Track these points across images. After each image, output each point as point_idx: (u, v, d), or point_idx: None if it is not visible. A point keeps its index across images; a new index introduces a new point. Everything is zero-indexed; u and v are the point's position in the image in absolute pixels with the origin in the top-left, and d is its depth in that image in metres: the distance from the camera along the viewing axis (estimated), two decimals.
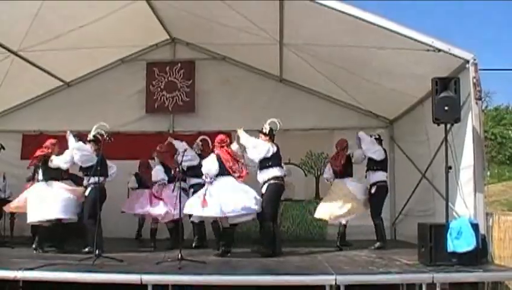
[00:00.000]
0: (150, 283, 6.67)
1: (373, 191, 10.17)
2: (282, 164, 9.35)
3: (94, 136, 9.36)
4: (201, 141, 11.02)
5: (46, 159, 9.63)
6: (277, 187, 9.00)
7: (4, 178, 11.12)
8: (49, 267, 7.26)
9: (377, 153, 10.19)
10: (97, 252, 7.86)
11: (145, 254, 9.17)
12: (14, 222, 11.41)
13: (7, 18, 9.57)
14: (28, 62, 11.47)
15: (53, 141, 9.81)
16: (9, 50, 10.78)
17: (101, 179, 9.06)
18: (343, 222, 10.36)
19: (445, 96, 7.81)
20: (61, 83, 13.37)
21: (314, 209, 11.94)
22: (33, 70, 11.91)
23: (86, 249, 8.81)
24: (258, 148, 8.98)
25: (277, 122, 9.30)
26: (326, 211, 10.33)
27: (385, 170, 10.34)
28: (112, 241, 10.14)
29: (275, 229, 9.02)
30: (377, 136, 10.51)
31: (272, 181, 8.92)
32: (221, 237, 9.32)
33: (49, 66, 12.23)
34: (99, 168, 8.91)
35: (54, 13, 9.76)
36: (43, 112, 13.31)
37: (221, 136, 9.44)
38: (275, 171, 8.97)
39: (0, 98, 12.44)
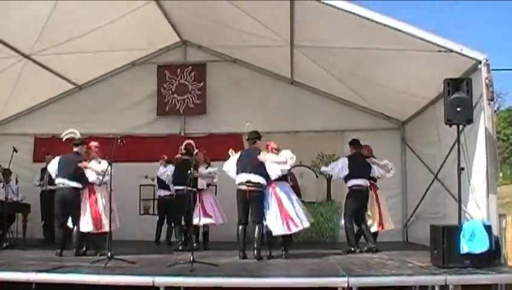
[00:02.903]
0: (162, 285, 6.66)
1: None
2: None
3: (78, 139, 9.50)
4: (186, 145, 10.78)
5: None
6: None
7: (17, 181, 11.18)
8: (62, 270, 7.28)
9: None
10: (109, 254, 7.86)
11: (158, 256, 9.17)
12: (26, 225, 11.48)
13: (19, 22, 9.62)
14: (40, 65, 11.55)
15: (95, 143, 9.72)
16: (21, 54, 10.87)
17: None
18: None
19: (457, 98, 7.77)
20: (73, 86, 13.46)
21: (326, 212, 11.98)
22: (45, 74, 11.99)
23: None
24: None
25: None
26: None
27: None
28: (130, 244, 10.27)
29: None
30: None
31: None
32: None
33: (61, 69, 12.30)
34: None
35: (66, 17, 9.81)
36: (55, 115, 13.37)
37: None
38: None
39: (12, 101, 12.54)
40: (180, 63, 13.46)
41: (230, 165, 9.07)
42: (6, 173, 11.16)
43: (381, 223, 10.09)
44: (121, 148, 8.67)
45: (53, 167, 9.44)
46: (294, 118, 12.58)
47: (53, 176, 9.49)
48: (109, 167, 8.64)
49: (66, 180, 9.15)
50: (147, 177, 11.86)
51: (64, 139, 9.48)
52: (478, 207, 7.99)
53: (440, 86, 8.09)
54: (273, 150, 8.98)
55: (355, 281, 6.60)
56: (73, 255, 8.93)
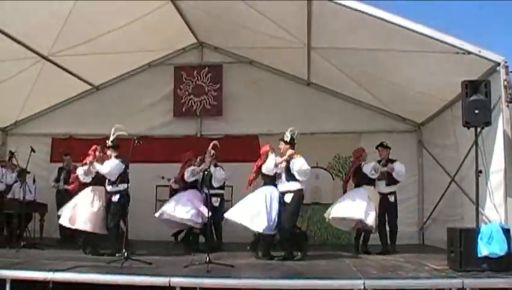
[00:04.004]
0: (178, 286, 6.69)
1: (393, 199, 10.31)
2: None
3: (112, 141, 9.49)
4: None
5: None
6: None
7: (34, 181, 11.25)
8: (79, 269, 7.34)
9: None
10: (126, 254, 7.90)
11: (174, 256, 9.20)
12: (43, 224, 11.56)
13: (38, 24, 9.70)
14: (57, 66, 11.63)
15: (94, 146, 9.81)
16: (39, 55, 10.96)
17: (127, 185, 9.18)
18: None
19: (476, 100, 7.70)
20: (90, 87, 13.52)
21: None
22: (62, 75, 12.07)
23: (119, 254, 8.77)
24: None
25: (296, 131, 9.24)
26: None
27: None
28: (146, 244, 10.34)
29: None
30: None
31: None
32: None
33: (78, 70, 12.38)
34: (125, 175, 9.14)
35: (83, 18, 9.86)
36: (72, 115, 13.49)
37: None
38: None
39: (30, 101, 12.64)
40: (197, 64, 13.47)
41: None
42: (23, 173, 11.25)
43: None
44: (138, 149, 8.72)
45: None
46: (311, 119, 12.51)
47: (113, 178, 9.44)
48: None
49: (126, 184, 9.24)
50: (163, 177, 11.86)
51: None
52: (496, 210, 7.92)
53: (457, 87, 8.04)
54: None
55: (371, 283, 6.59)
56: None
